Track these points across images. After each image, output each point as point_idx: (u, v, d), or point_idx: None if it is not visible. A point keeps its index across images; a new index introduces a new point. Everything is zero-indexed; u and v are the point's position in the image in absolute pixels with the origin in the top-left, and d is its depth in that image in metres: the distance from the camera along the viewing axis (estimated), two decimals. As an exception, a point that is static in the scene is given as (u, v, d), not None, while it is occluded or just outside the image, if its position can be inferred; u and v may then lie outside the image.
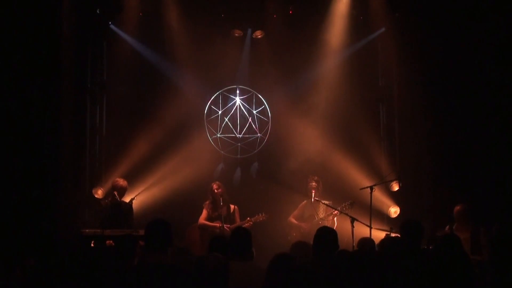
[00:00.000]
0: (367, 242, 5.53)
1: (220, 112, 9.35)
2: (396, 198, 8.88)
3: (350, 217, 7.20)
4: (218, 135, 9.28)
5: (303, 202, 8.31)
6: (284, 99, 9.28)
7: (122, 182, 7.50)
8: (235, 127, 9.34)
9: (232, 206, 7.87)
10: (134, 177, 8.40)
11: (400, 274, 4.08)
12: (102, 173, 8.85)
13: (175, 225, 4.36)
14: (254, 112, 9.41)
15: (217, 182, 7.95)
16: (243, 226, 7.25)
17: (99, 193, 8.37)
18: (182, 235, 7.80)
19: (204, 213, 7.81)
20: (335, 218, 8.02)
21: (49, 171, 6.12)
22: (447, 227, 6.92)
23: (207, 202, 7.87)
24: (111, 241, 6.49)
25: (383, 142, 9.40)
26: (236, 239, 4.61)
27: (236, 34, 9.04)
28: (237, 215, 7.80)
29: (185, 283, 3.59)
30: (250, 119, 9.38)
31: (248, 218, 7.74)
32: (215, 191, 7.74)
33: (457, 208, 6.92)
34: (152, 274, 3.59)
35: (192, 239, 7.69)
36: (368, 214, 7.32)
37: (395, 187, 8.87)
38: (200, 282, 3.55)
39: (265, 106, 9.41)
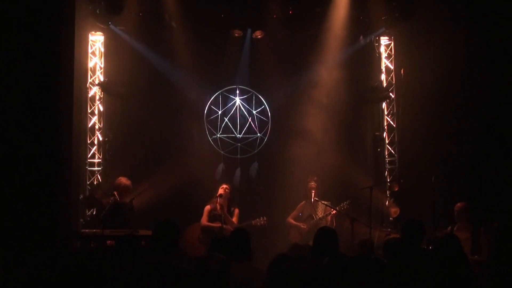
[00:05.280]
0: (366, 243, 5.56)
1: (220, 112, 9.35)
2: (396, 198, 8.89)
3: (350, 217, 7.20)
4: (218, 135, 9.28)
5: (302, 203, 8.33)
6: (284, 99, 9.28)
7: (125, 181, 7.47)
8: (235, 127, 9.34)
9: (232, 208, 7.83)
10: (133, 177, 8.37)
11: (400, 275, 4.08)
12: (102, 173, 8.86)
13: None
14: (254, 112, 9.41)
15: (227, 186, 7.79)
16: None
17: (99, 193, 8.36)
18: (182, 235, 7.77)
19: (205, 214, 7.75)
20: (333, 218, 8.02)
21: (48, 171, 6.11)
22: (449, 227, 6.93)
23: (211, 203, 7.78)
24: (112, 242, 6.47)
25: (383, 142, 9.40)
26: (235, 241, 4.61)
27: (236, 34, 9.03)
28: (235, 217, 7.76)
29: (188, 283, 3.59)
30: (250, 119, 9.38)
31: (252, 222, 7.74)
32: (222, 190, 7.64)
33: (458, 205, 6.94)
34: (155, 274, 3.59)
35: (190, 239, 7.66)
36: (368, 214, 7.33)
37: (395, 187, 8.89)
38: (202, 282, 3.55)
39: (265, 106, 9.41)
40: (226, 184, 7.84)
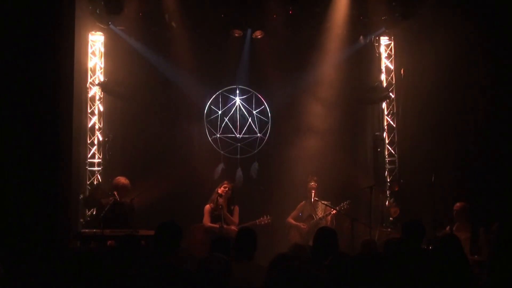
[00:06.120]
0: (369, 243, 5.55)
1: (220, 112, 9.35)
2: (396, 198, 8.89)
3: (350, 217, 7.20)
4: (218, 135, 9.28)
5: (302, 203, 8.33)
6: (284, 99, 9.28)
7: (123, 180, 7.44)
8: (235, 127, 9.34)
9: (232, 206, 7.80)
10: (133, 177, 8.37)
11: (400, 275, 4.07)
12: (102, 173, 8.86)
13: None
14: (254, 112, 9.41)
15: (228, 185, 7.70)
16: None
17: (99, 193, 8.35)
18: (186, 236, 7.72)
19: (207, 215, 7.70)
20: (333, 218, 8.02)
21: (48, 171, 6.11)
22: (448, 227, 6.93)
23: (211, 202, 7.74)
24: (112, 242, 6.46)
25: (383, 142, 9.40)
26: (241, 240, 4.61)
27: (236, 34, 9.03)
28: (236, 215, 7.73)
29: (187, 284, 3.59)
30: (250, 119, 9.39)
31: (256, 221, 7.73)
32: (224, 190, 7.57)
33: (457, 205, 6.94)
34: (156, 275, 3.60)
35: (194, 240, 7.62)
36: (368, 214, 7.33)
37: (395, 187, 8.89)
38: (201, 283, 3.55)
39: (265, 106, 9.42)
40: (228, 182, 7.77)
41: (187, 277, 3.60)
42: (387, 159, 9.39)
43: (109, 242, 6.53)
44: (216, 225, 7.40)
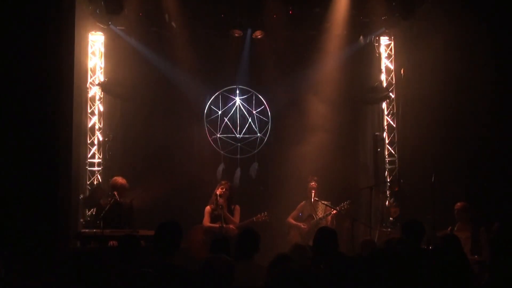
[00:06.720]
0: (369, 243, 5.55)
1: (220, 112, 9.35)
2: (396, 198, 8.88)
3: (350, 217, 7.20)
4: (218, 135, 9.28)
5: (302, 203, 8.31)
6: (284, 99, 9.28)
7: (121, 180, 7.43)
8: (235, 127, 9.34)
9: (232, 206, 7.79)
10: (133, 177, 8.39)
11: (400, 275, 4.08)
12: (102, 173, 8.85)
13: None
14: (254, 112, 9.41)
15: (225, 185, 7.67)
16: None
17: (99, 193, 8.35)
18: (185, 237, 7.71)
19: (207, 215, 7.70)
20: (334, 218, 8.02)
21: (48, 171, 6.11)
22: (449, 227, 6.93)
23: (211, 203, 7.72)
24: (114, 242, 6.45)
25: (383, 142, 9.40)
26: (243, 240, 4.61)
27: (236, 34, 9.03)
28: (237, 215, 7.72)
29: (188, 284, 3.59)
30: (250, 119, 9.39)
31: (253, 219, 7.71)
32: (222, 191, 7.57)
33: (458, 205, 6.94)
34: (156, 275, 3.60)
35: (194, 241, 7.61)
36: (368, 214, 7.32)
37: (395, 187, 8.88)
38: (203, 283, 3.55)
39: (265, 106, 9.42)
40: (225, 181, 7.76)
41: (188, 277, 3.61)
42: (387, 159, 9.40)
43: (111, 242, 6.51)
44: (216, 225, 7.39)
